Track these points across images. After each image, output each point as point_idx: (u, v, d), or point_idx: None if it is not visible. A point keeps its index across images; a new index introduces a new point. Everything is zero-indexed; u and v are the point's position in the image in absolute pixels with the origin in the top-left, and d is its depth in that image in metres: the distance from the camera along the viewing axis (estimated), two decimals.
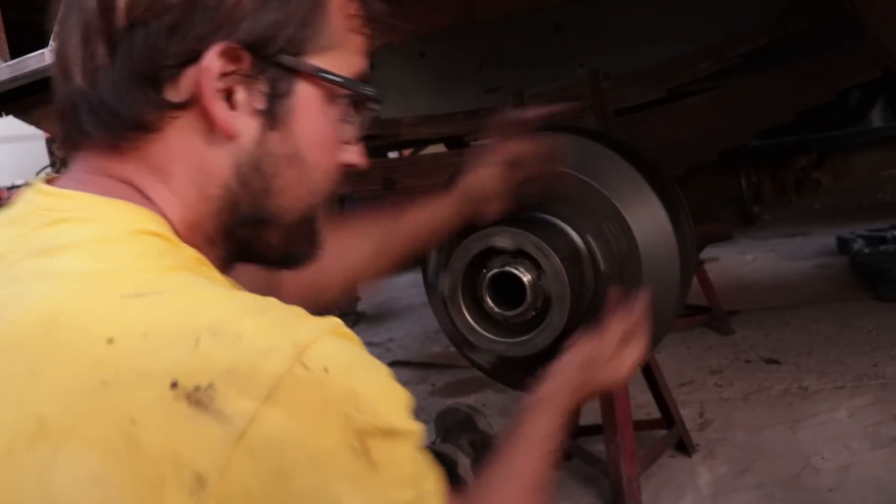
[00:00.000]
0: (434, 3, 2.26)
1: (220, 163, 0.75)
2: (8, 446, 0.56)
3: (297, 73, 0.75)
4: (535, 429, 1.03)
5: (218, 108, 0.72)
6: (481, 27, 2.31)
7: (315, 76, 0.76)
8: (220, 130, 0.73)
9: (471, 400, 2.88)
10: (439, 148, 3.25)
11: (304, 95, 0.76)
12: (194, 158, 0.74)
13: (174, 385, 0.56)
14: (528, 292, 1.21)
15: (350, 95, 0.80)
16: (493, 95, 2.31)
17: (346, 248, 1.19)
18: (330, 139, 0.80)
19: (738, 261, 4.56)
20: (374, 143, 2.48)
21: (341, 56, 0.78)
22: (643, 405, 2.43)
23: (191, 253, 0.72)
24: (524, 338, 1.23)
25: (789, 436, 2.26)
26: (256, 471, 0.56)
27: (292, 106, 0.76)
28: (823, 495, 1.91)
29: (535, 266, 1.20)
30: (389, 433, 0.62)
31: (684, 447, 2.23)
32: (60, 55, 0.75)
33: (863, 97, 4.80)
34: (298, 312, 0.65)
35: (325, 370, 0.60)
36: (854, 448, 2.11)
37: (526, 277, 1.20)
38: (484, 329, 1.26)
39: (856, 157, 2.35)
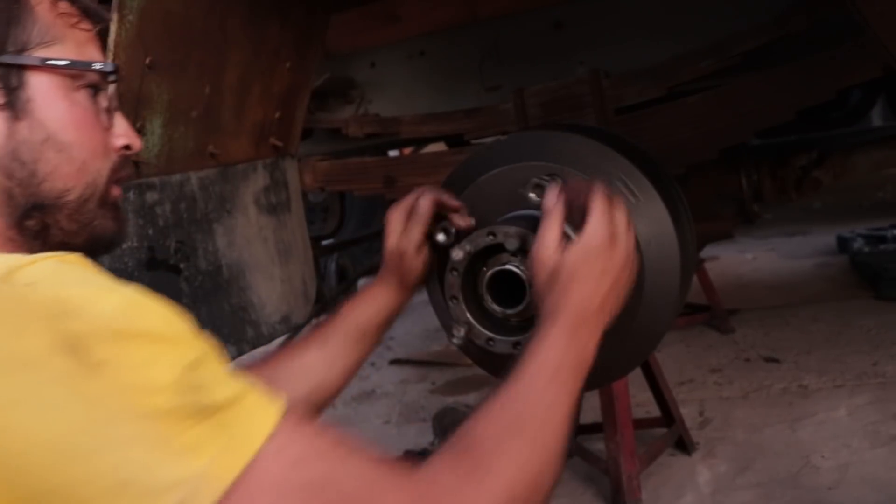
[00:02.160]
0: (435, 1, 2.26)
1: None
2: None
3: (22, 66, 0.81)
4: (546, 364, 0.91)
5: None
6: (482, 25, 2.31)
7: (41, 66, 0.82)
8: None
9: (471, 398, 2.88)
10: (440, 146, 3.25)
11: (40, 85, 0.82)
12: None
13: None
14: (529, 289, 1.21)
15: (90, 80, 0.87)
16: (494, 94, 2.31)
17: (304, 371, 1.21)
18: (85, 121, 0.86)
19: (738, 259, 4.56)
20: (375, 141, 2.48)
21: (66, 49, 0.85)
22: (643, 403, 2.43)
23: None
24: (524, 336, 1.22)
25: (789, 434, 2.26)
26: None
27: (30, 95, 0.81)
28: (823, 494, 1.91)
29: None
30: (117, 336, 0.61)
31: (684, 445, 2.23)
32: None
33: (863, 96, 4.79)
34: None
35: (30, 284, 0.62)
36: (853, 446, 2.12)
37: (526, 274, 1.20)
38: (483, 327, 1.26)
39: (856, 156, 2.35)
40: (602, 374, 1.37)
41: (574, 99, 1.99)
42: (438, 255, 1.33)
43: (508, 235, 1.18)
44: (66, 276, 0.64)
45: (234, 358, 1.72)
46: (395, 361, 3.42)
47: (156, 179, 1.49)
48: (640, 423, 2.25)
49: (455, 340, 1.26)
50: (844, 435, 2.19)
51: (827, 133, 4.08)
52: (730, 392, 2.64)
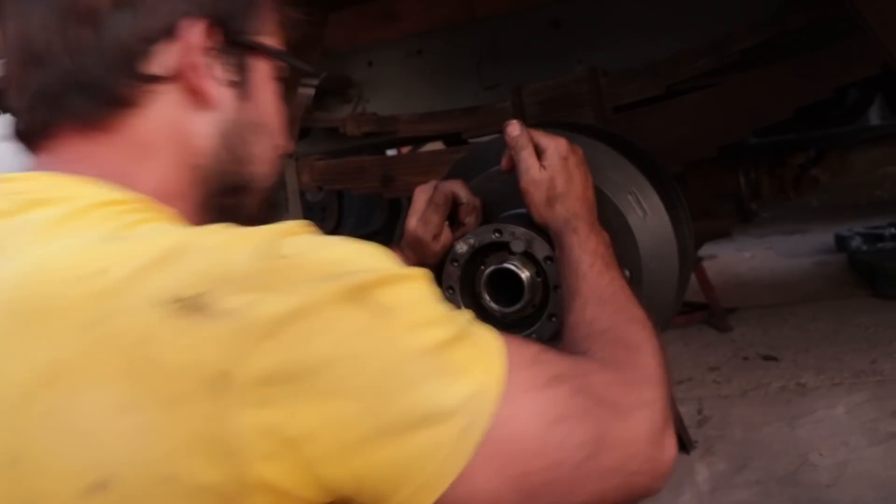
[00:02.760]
0: None
1: (204, 132, 0.79)
2: (22, 397, 0.57)
3: (253, 49, 0.82)
4: (588, 259, 1.01)
5: (203, 79, 0.77)
6: (480, 24, 2.31)
7: (266, 53, 0.84)
8: (205, 101, 0.78)
9: None
10: (438, 145, 3.25)
11: (261, 70, 0.84)
12: (177, 130, 0.78)
13: (175, 300, 0.58)
14: (526, 289, 1.21)
15: (286, 79, 0.88)
16: (492, 92, 2.30)
17: None
18: (280, 110, 0.88)
19: (736, 258, 4.57)
20: (373, 140, 2.48)
21: (277, 44, 0.87)
22: None
23: (168, 211, 0.74)
24: (522, 334, 1.22)
25: (787, 432, 2.26)
26: (276, 350, 0.57)
27: (255, 78, 0.83)
28: (821, 491, 1.92)
29: (532, 262, 1.20)
30: (388, 280, 0.63)
31: (682, 444, 2.23)
32: (24, 43, 0.77)
33: (861, 95, 4.79)
34: (251, 227, 0.68)
35: (302, 253, 0.63)
36: (851, 444, 2.12)
37: (524, 274, 1.20)
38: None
39: (854, 155, 2.35)
40: None
41: (572, 97, 1.99)
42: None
43: (515, 237, 1.18)
44: (324, 242, 0.66)
45: None
46: None
47: None
48: None
49: None
50: (842, 433, 2.19)
51: (825, 131, 4.08)
52: (728, 390, 2.64)
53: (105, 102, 0.75)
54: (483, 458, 0.61)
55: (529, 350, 0.71)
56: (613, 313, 0.92)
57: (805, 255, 4.41)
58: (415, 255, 1.27)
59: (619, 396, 0.72)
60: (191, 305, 0.57)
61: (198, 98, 0.78)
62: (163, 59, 0.76)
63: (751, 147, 2.40)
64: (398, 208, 4.25)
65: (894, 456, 2.02)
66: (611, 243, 1.06)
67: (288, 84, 0.91)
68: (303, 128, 2.12)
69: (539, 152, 1.12)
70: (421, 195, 1.26)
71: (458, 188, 1.25)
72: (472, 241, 1.21)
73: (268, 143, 0.86)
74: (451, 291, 1.25)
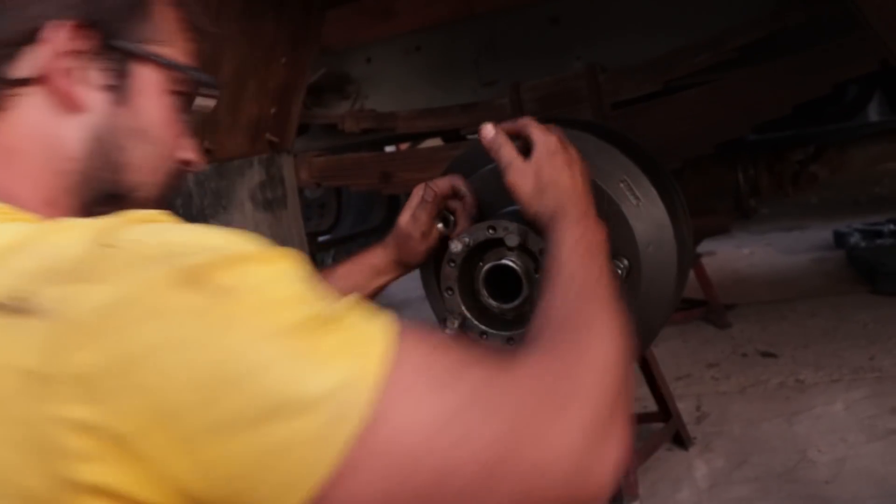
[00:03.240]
0: None
1: (72, 136, 0.78)
2: None
3: (136, 55, 0.81)
4: (569, 248, 0.96)
5: (68, 82, 0.76)
6: (478, 20, 2.30)
7: (151, 59, 0.82)
8: (73, 105, 0.76)
9: None
10: (436, 142, 3.25)
11: (145, 77, 0.82)
12: (45, 134, 0.77)
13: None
14: (525, 283, 1.20)
15: (182, 88, 0.86)
16: (490, 89, 2.30)
17: None
18: (169, 120, 0.85)
19: (735, 254, 4.57)
20: (372, 136, 2.48)
21: (173, 53, 0.85)
22: (640, 398, 2.43)
23: (30, 217, 0.71)
24: (520, 331, 1.22)
25: (786, 429, 2.26)
26: (97, 344, 0.54)
27: (136, 85, 0.81)
28: (819, 488, 1.92)
29: (529, 256, 1.19)
30: (231, 261, 0.58)
31: (681, 440, 2.23)
32: None
33: (860, 91, 4.79)
34: (98, 217, 0.65)
35: (138, 240, 0.60)
36: (850, 441, 2.12)
37: (522, 269, 1.20)
38: (478, 320, 1.26)
39: (852, 151, 2.35)
40: None
41: (570, 93, 1.99)
42: (440, 244, 1.33)
43: (509, 231, 1.17)
44: (164, 230, 0.63)
45: None
46: None
47: None
48: (638, 418, 2.25)
49: (448, 332, 1.26)
50: (841, 429, 2.20)
51: (823, 128, 4.07)
52: (727, 387, 2.64)
53: None
54: (358, 458, 0.55)
55: (430, 341, 0.64)
56: (580, 301, 0.86)
57: (804, 251, 4.41)
58: (399, 251, 1.28)
59: (545, 397, 0.65)
60: (13, 306, 0.55)
61: (65, 102, 0.76)
62: (29, 63, 0.75)
63: (749, 143, 2.40)
64: (397, 205, 4.25)
65: (893, 452, 2.02)
66: (607, 237, 1.02)
67: (189, 95, 0.90)
68: (301, 124, 2.11)
69: (529, 146, 1.11)
70: (417, 192, 1.26)
71: (457, 183, 1.25)
72: (466, 239, 1.21)
73: (150, 152, 0.84)
74: (449, 292, 1.25)
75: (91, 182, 0.79)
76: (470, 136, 2.26)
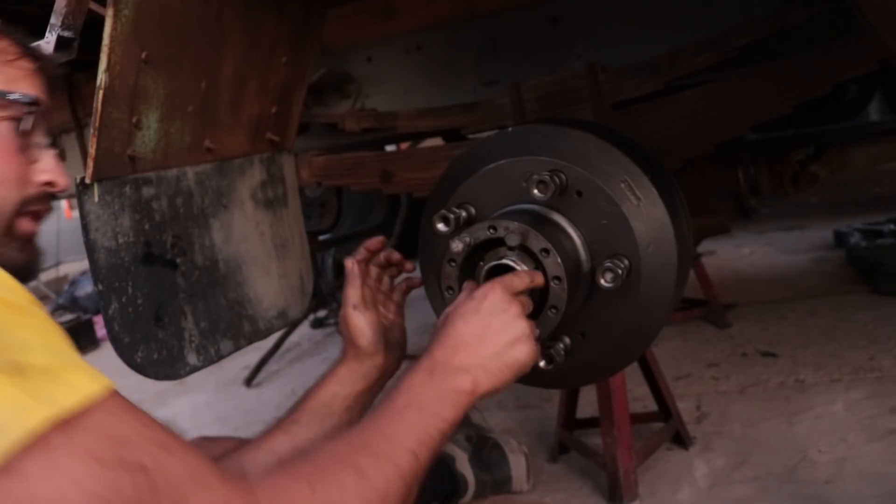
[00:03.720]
0: None
1: None
2: None
3: None
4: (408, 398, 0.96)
5: None
6: (479, 20, 2.30)
7: None
8: None
9: None
10: (437, 141, 3.25)
11: None
12: None
13: None
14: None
15: (12, 112, 0.91)
16: (491, 88, 2.30)
17: (272, 457, 1.22)
18: (1, 150, 0.91)
19: (735, 254, 4.57)
20: (372, 135, 2.48)
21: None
22: (640, 398, 2.43)
23: None
24: None
25: (786, 429, 2.26)
26: None
27: None
28: (819, 488, 1.92)
29: (529, 256, 1.19)
30: None
31: (681, 440, 2.23)
32: None
33: (860, 91, 4.78)
34: None
35: None
36: (850, 441, 2.12)
37: (522, 268, 1.20)
38: None
39: (853, 151, 2.35)
40: (600, 368, 1.38)
41: (571, 93, 1.99)
42: (438, 244, 1.33)
43: (510, 231, 1.18)
44: None
45: (231, 352, 1.72)
46: None
47: (152, 174, 1.49)
48: (638, 418, 2.25)
49: None
50: (841, 429, 2.20)
51: (824, 128, 4.07)
52: (727, 386, 2.64)
53: None
54: None
55: (133, 429, 0.66)
56: (363, 464, 0.84)
57: (804, 251, 4.41)
58: (349, 346, 1.30)
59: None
60: None
61: None
62: None
63: (750, 143, 2.40)
64: (397, 204, 4.25)
65: (893, 452, 2.02)
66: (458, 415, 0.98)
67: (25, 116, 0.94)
68: (302, 123, 2.11)
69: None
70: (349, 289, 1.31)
71: (363, 248, 1.32)
72: (466, 238, 1.21)
73: None
74: (450, 292, 1.25)
75: None
76: (471, 136, 2.27)
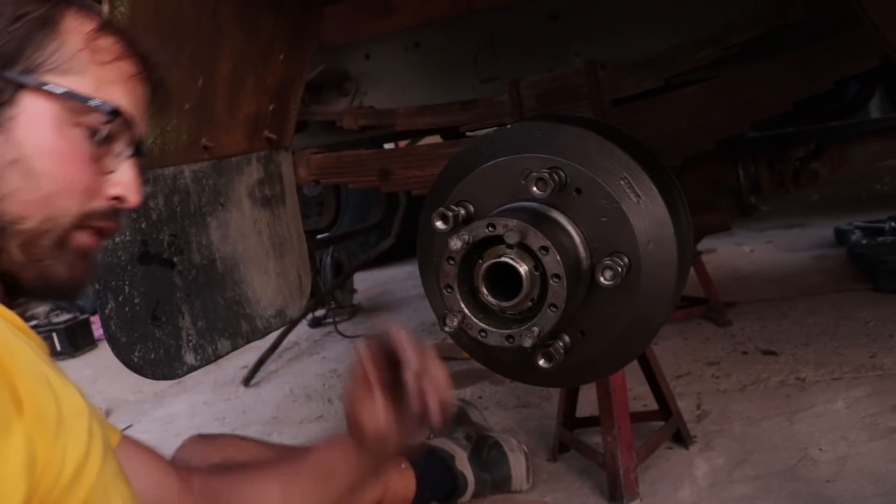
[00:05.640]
0: None
1: None
2: None
3: (20, 85, 0.82)
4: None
5: None
6: (477, 17, 2.30)
7: (38, 89, 0.83)
8: None
9: (467, 392, 2.88)
10: (435, 139, 3.24)
11: (32, 106, 0.83)
12: None
13: None
14: (525, 283, 1.20)
15: (94, 120, 0.86)
16: (489, 85, 2.30)
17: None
18: (67, 155, 0.85)
19: (735, 252, 4.56)
20: (370, 133, 2.47)
21: (82, 82, 0.85)
22: (640, 397, 2.42)
23: None
24: (520, 329, 1.22)
25: (786, 427, 2.25)
26: None
27: (16, 114, 0.82)
28: (821, 486, 1.91)
29: (529, 254, 1.19)
30: None
31: (681, 439, 2.22)
32: None
33: (861, 88, 4.78)
34: None
35: None
36: (851, 439, 2.11)
37: (521, 267, 1.19)
38: (477, 318, 1.25)
39: (854, 148, 2.33)
40: (599, 367, 1.37)
41: (570, 90, 1.98)
42: (437, 242, 1.32)
43: (508, 228, 1.17)
44: None
45: (228, 352, 1.71)
46: None
47: (149, 173, 1.48)
48: (638, 417, 2.24)
49: (447, 330, 1.26)
50: (842, 427, 2.19)
51: (825, 125, 4.07)
52: (727, 385, 2.63)
53: None
54: None
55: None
56: None
57: (804, 249, 4.40)
58: (357, 439, 1.20)
59: None
60: None
61: None
62: None
63: (750, 140, 2.38)
64: (396, 203, 4.24)
65: (894, 450, 2.01)
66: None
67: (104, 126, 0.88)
68: (299, 121, 2.10)
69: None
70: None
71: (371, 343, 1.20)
72: (465, 236, 1.20)
73: (25, 182, 0.83)
74: (448, 290, 1.24)
75: None
76: (469, 134, 2.26)
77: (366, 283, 5.05)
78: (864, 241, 3.97)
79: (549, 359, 1.23)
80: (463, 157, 1.35)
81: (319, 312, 4.39)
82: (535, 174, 1.19)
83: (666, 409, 2.23)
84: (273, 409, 3.13)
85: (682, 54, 1.92)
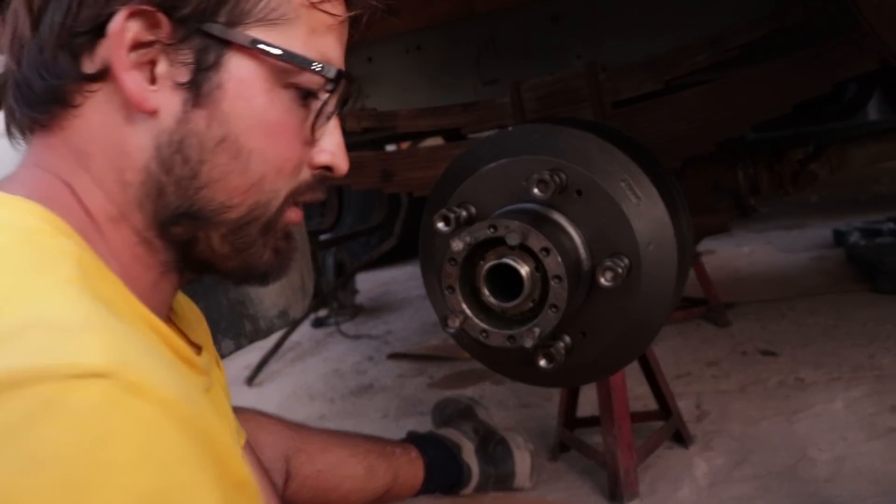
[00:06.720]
0: None
1: (138, 143, 0.66)
2: None
3: (227, 43, 0.66)
4: None
5: (130, 79, 0.65)
6: (479, 19, 2.31)
7: (250, 48, 0.67)
8: (133, 105, 0.65)
9: (469, 392, 2.89)
10: (437, 140, 3.25)
11: (239, 70, 0.67)
12: (112, 138, 0.66)
13: None
14: (526, 284, 1.21)
15: (306, 80, 0.70)
16: (491, 87, 2.31)
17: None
18: (280, 127, 0.70)
19: (734, 253, 4.57)
20: (372, 135, 2.48)
21: (292, 33, 0.69)
22: (640, 397, 2.44)
23: (70, 250, 0.60)
24: (521, 329, 1.23)
25: (785, 427, 2.26)
26: None
27: (221, 81, 0.67)
28: (819, 486, 1.92)
29: (530, 255, 1.20)
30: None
31: (681, 438, 2.23)
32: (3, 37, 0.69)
33: (859, 90, 4.79)
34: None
35: None
36: (850, 439, 2.12)
37: (522, 268, 1.21)
38: (479, 319, 1.26)
39: (852, 150, 2.35)
40: (600, 367, 1.38)
41: (571, 93, 2.00)
42: (438, 243, 1.33)
43: (510, 230, 1.18)
44: None
45: (232, 352, 1.73)
46: (393, 356, 3.42)
47: None
48: (638, 417, 2.25)
49: (449, 330, 1.27)
50: (841, 427, 2.20)
51: (823, 127, 4.07)
52: (727, 385, 2.65)
53: (33, 100, 0.66)
54: None
55: None
56: None
57: (803, 250, 4.41)
58: None
59: None
60: None
61: (130, 102, 0.65)
62: (96, 54, 0.65)
63: (749, 142, 2.40)
64: (398, 204, 4.25)
65: (893, 450, 2.02)
66: None
67: (323, 96, 0.72)
68: None
69: None
70: None
71: None
72: (467, 238, 1.22)
73: (233, 166, 0.69)
74: (450, 291, 1.25)
75: (160, 198, 0.68)
76: (471, 136, 2.27)
77: (368, 283, 5.07)
78: (863, 242, 3.98)
79: (550, 359, 1.24)
80: (464, 159, 1.36)
81: (322, 313, 4.41)
82: (536, 176, 1.21)
83: (666, 409, 2.25)
84: (276, 409, 3.14)
85: (683, 57, 1.93)
